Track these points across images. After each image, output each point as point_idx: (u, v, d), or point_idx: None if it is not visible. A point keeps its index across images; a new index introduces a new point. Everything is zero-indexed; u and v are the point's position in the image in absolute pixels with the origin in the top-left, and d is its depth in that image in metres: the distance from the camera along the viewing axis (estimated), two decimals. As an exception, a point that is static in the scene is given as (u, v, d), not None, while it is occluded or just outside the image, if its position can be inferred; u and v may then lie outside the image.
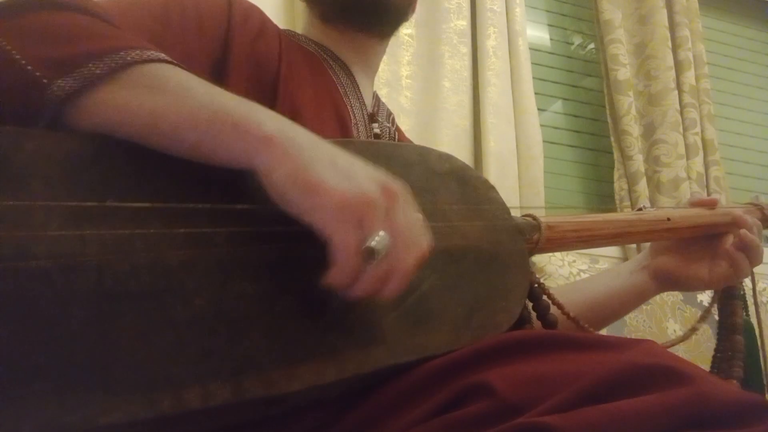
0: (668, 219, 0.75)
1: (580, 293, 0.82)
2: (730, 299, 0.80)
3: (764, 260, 1.70)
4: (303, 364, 0.40)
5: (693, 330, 0.77)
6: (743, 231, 0.77)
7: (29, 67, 0.40)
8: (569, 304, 0.76)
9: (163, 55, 0.45)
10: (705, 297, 1.44)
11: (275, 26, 0.75)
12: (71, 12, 0.45)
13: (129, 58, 0.43)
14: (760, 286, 1.53)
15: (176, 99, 0.42)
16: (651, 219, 0.75)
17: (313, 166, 0.40)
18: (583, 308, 0.78)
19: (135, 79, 0.43)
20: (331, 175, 0.40)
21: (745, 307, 0.82)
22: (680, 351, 1.30)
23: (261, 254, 0.43)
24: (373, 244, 0.39)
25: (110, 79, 0.42)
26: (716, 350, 0.79)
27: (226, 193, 0.43)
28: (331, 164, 0.41)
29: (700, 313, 1.31)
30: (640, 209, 0.79)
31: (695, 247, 0.79)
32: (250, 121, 0.41)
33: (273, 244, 0.43)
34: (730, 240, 0.78)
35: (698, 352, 1.33)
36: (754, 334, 0.81)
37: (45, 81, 0.40)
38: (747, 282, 0.84)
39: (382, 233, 0.39)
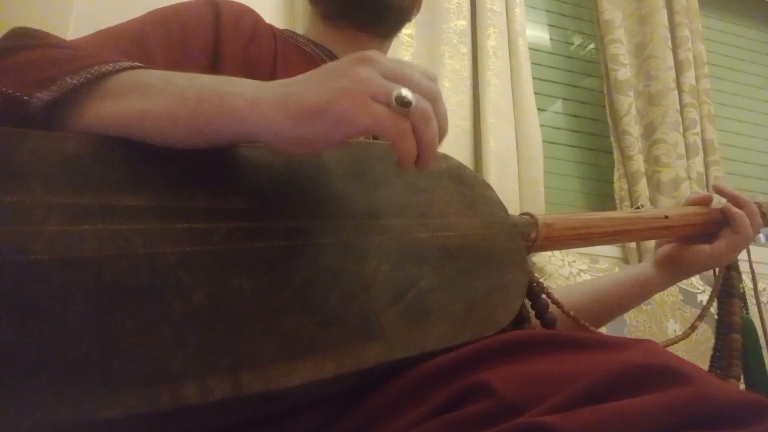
0: (666, 216, 0.75)
1: (584, 287, 0.83)
2: (728, 297, 0.80)
3: (765, 260, 1.70)
4: (301, 359, 0.40)
5: (693, 328, 0.77)
6: (726, 191, 0.78)
7: (9, 91, 0.41)
8: (573, 298, 0.76)
9: (136, 63, 0.46)
10: (705, 297, 1.44)
11: (269, 27, 0.75)
12: (47, 48, 0.47)
13: (103, 70, 0.44)
14: (759, 285, 1.53)
15: (160, 89, 0.43)
16: (649, 216, 0.75)
17: (303, 97, 0.40)
18: (586, 301, 0.78)
19: (114, 87, 0.44)
20: (318, 90, 0.40)
21: (745, 306, 0.82)
22: (680, 351, 1.30)
23: (259, 249, 0.43)
24: (400, 92, 0.39)
25: (89, 90, 0.43)
26: (714, 349, 0.79)
27: (223, 188, 0.43)
28: (312, 83, 0.41)
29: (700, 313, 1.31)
30: (637, 208, 0.80)
31: (697, 238, 0.79)
32: (231, 92, 0.42)
33: (271, 240, 0.43)
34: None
35: (698, 352, 1.33)
36: (756, 332, 0.81)
37: (25, 98, 0.41)
38: (747, 281, 0.84)
39: (400, 90, 0.40)
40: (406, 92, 0.40)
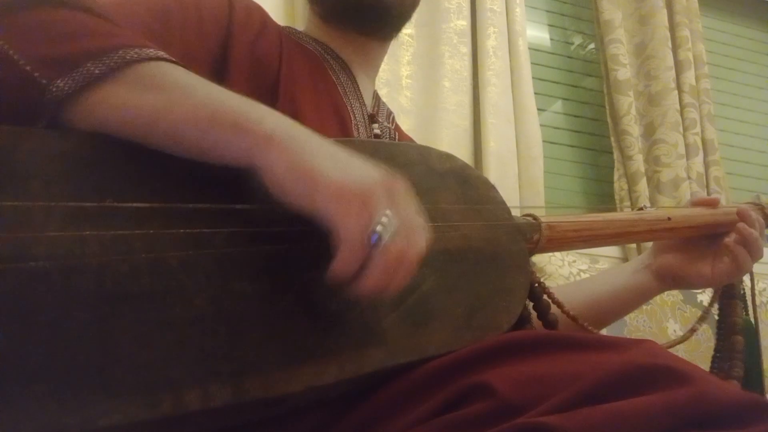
0: (669, 218, 0.75)
1: (581, 292, 0.82)
2: (729, 299, 0.80)
3: (764, 260, 1.70)
4: (303, 364, 0.40)
5: (692, 330, 0.77)
6: (741, 224, 0.78)
7: (27, 68, 0.40)
8: (570, 303, 0.76)
9: (161, 53, 0.45)
10: (705, 297, 1.44)
11: (276, 24, 0.75)
12: (69, 9, 0.45)
13: (128, 57, 0.42)
14: (759, 286, 1.53)
15: (176, 98, 0.42)
16: (652, 218, 0.75)
17: (312, 158, 0.40)
18: (583, 307, 0.78)
19: (134, 79, 0.42)
20: (331, 166, 0.40)
21: (745, 307, 0.82)
22: (680, 351, 1.30)
23: (260, 254, 0.43)
24: (379, 227, 0.38)
25: (109, 78, 0.42)
26: (716, 350, 0.79)
27: (225, 193, 0.43)
28: (331, 157, 0.41)
29: (700, 313, 1.31)
30: (641, 209, 0.80)
31: (697, 246, 0.79)
32: (249, 119, 0.41)
33: (272, 245, 0.43)
34: (731, 238, 0.79)
35: (698, 352, 1.33)
36: (755, 333, 0.81)
37: (44, 81, 0.40)
38: (746, 281, 0.84)
39: (388, 214, 0.39)
40: (384, 234, 0.38)
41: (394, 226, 0.39)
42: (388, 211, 0.39)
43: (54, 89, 0.40)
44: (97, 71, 0.41)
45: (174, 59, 0.46)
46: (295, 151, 0.40)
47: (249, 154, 0.40)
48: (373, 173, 0.41)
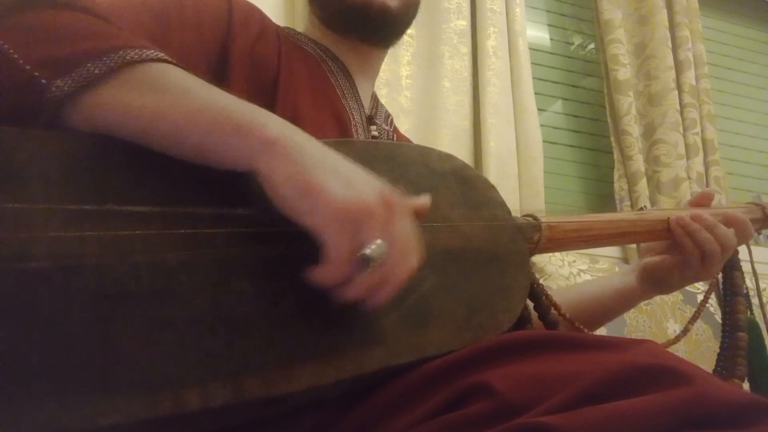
0: (669, 219, 0.75)
1: (572, 294, 0.83)
2: (732, 296, 0.80)
3: (766, 260, 1.70)
4: (302, 364, 0.40)
5: (686, 330, 0.77)
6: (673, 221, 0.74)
7: (27, 67, 0.40)
8: (562, 305, 0.76)
9: (162, 54, 0.45)
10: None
11: (275, 26, 0.75)
12: (70, 11, 0.45)
13: (128, 58, 0.42)
14: (761, 285, 1.52)
15: (178, 100, 0.42)
16: (652, 219, 0.75)
17: (314, 170, 0.40)
18: (570, 309, 0.78)
19: (135, 79, 0.42)
20: (332, 180, 0.40)
21: (750, 307, 0.82)
22: (680, 351, 1.30)
23: (260, 255, 0.43)
24: (368, 252, 0.39)
25: (109, 79, 0.42)
26: (721, 348, 0.79)
27: (226, 193, 0.43)
28: (333, 170, 0.41)
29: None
30: (641, 209, 0.80)
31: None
32: (252, 124, 0.41)
33: (272, 245, 0.43)
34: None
35: (698, 352, 1.33)
36: (760, 332, 0.80)
37: (43, 82, 0.40)
38: (750, 282, 0.84)
39: (379, 242, 0.39)
40: (375, 257, 0.39)
41: (383, 251, 0.40)
42: (380, 239, 0.40)
43: (54, 89, 0.40)
44: (97, 71, 0.41)
45: (175, 61, 0.45)
46: (297, 161, 0.40)
47: (250, 158, 0.40)
48: (373, 189, 0.41)
